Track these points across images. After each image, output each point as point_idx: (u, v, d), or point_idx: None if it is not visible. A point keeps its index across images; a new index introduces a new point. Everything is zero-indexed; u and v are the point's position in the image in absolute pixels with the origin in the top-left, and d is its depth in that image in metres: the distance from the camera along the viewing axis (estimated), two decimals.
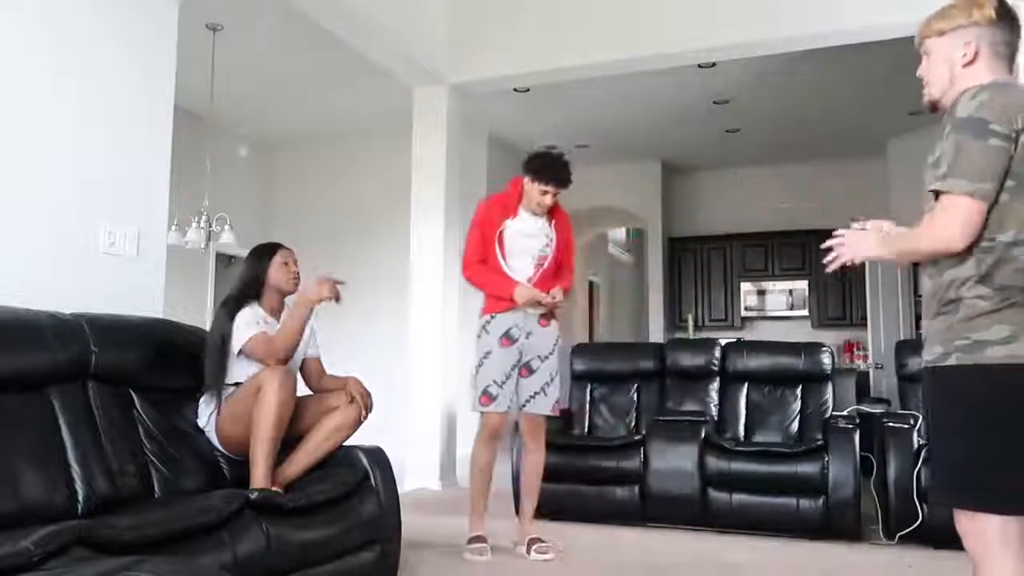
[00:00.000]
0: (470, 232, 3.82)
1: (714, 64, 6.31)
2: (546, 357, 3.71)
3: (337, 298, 3.01)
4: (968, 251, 1.73)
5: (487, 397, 3.66)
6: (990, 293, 1.72)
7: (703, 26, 5.35)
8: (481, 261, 3.73)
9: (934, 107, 1.93)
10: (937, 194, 1.74)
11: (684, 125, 8.21)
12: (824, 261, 1.97)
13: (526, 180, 3.68)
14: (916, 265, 1.93)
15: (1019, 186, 1.70)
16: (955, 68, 1.85)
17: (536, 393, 3.70)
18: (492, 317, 3.70)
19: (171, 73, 3.50)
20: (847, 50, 5.58)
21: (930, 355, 1.81)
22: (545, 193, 3.64)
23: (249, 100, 7.28)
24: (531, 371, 3.71)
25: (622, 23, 5.52)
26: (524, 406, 3.73)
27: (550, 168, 3.65)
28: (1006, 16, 1.83)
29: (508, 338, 3.67)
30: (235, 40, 5.88)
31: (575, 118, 7.95)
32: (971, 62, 1.83)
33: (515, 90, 6.80)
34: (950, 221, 1.71)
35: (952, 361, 1.75)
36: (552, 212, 3.77)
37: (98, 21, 3.17)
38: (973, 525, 1.74)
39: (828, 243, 1.94)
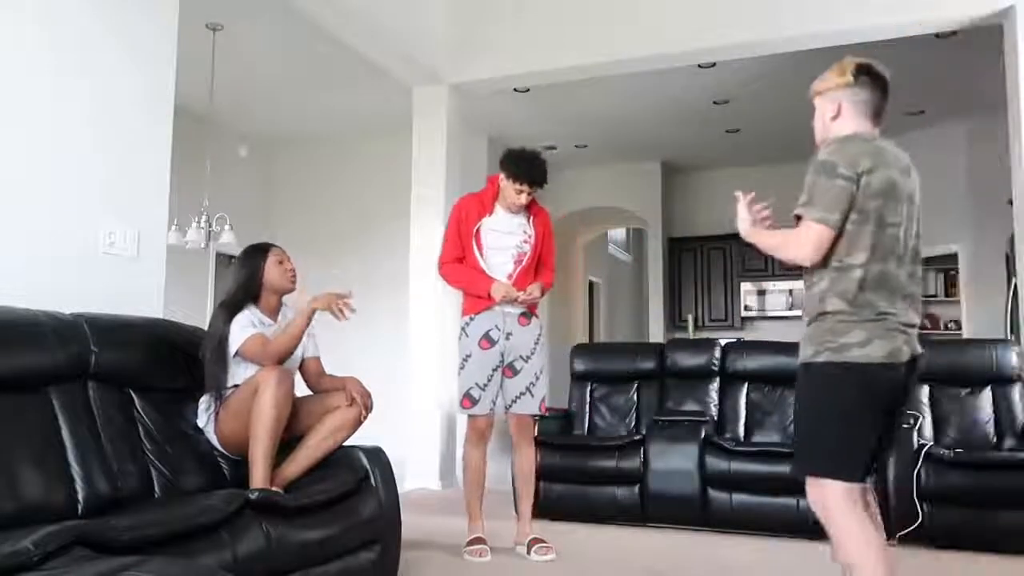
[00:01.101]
0: (447, 230, 3.82)
1: (714, 64, 6.31)
2: (528, 357, 3.70)
3: (337, 312, 2.94)
4: (826, 271, 2.16)
5: (468, 400, 3.66)
6: (848, 307, 2.13)
7: (703, 26, 5.35)
8: (458, 260, 3.73)
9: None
10: (798, 218, 2.17)
11: (684, 125, 8.21)
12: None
13: (502, 178, 3.69)
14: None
15: (862, 218, 2.13)
16: (826, 122, 2.31)
17: (522, 394, 3.69)
18: (471, 319, 3.70)
19: (171, 73, 3.50)
20: (847, 50, 5.57)
21: (805, 353, 2.22)
22: (520, 192, 3.64)
23: (249, 100, 7.28)
24: (515, 372, 3.70)
25: (622, 23, 5.52)
26: (511, 407, 3.73)
27: (525, 167, 3.63)
28: (867, 79, 2.27)
29: (488, 340, 3.66)
30: (235, 40, 5.88)
31: (575, 118, 7.95)
32: (836, 116, 2.29)
33: (515, 90, 6.80)
34: (805, 241, 2.15)
35: (822, 359, 2.16)
36: (531, 209, 3.78)
37: (98, 21, 3.17)
38: (821, 492, 2.15)
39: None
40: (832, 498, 2.13)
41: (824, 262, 2.17)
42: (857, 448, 2.14)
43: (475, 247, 3.69)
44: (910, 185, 2.23)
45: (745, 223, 2.36)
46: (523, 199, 3.65)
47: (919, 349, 2.20)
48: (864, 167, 2.12)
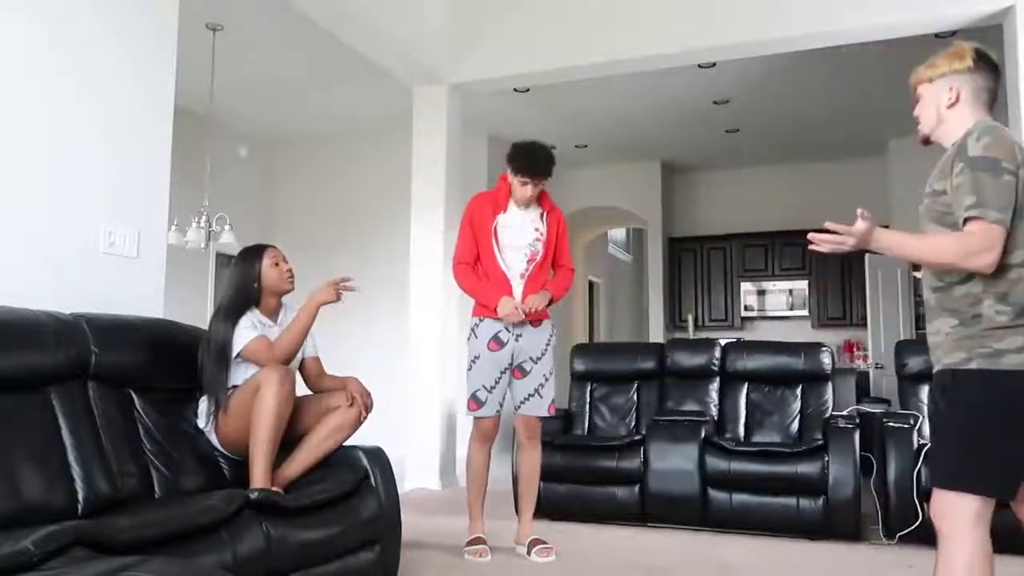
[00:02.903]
0: (461, 228, 3.81)
1: (714, 64, 6.31)
2: (538, 358, 3.70)
3: (338, 297, 3.02)
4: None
5: (475, 402, 3.66)
6: (1007, 309, 1.96)
7: (703, 26, 5.35)
8: (473, 261, 3.72)
9: (926, 141, 2.22)
10: (966, 221, 1.94)
11: (684, 125, 8.20)
12: (816, 245, 2.06)
13: (508, 173, 3.69)
14: (915, 268, 2.13)
15: (1019, 212, 1.95)
16: (941, 109, 2.13)
17: (530, 395, 3.69)
18: (480, 320, 3.69)
19: (171, 73, 3.50)
20: (847, 50, 5.57)
21: (952, 359, 2.03)
22: (524, 184, 3.64)
23: (249, 100, 7.28)
24: (524, 373, 3.69)
25: (622, 23, 5.52)
26: (519, 408, 3.72)
27: (527, 159, 3.64)
28: (985, 65, 2.11)
29: (496, 341, 3.66)
30: (235, 40, 5.88)
31: (575, 118, 7.95)
32: (954, 104, 2.11)
33: (515, 90, 6.80)
34: (988, 245, 1.92)
35: (973, 365, 1.98)
36: (544, 205, 3.78)
37: (98, 21, 3.17)
38: (951, 505, 1.98)
39: (834, 235, 2.03)
40: (963, 514, 1.96)
41: None
42: (1004, 461, 1.97)
43: (494, 245, 3.68)
44: None
45: (860, 229, 1.99)
46: (528, 191, 3.65)
47: None
48: (1019, 159, 1.97)
